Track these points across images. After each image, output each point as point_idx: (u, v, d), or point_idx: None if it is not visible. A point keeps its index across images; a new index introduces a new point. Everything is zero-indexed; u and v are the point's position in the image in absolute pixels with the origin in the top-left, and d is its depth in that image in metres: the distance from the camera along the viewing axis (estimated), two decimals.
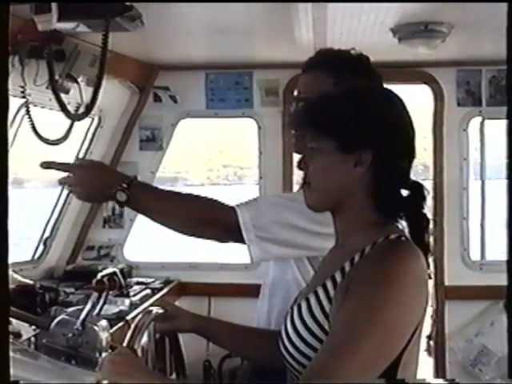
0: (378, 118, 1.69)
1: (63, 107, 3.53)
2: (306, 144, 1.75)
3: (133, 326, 1.89)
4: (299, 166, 1.79)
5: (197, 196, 2.40)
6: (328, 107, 1.72)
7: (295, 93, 2.49)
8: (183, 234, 2.36)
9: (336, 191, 1.71)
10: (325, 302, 1.62)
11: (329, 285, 1.63)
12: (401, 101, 1.75)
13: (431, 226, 1.71)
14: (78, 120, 3.78)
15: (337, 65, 2.28)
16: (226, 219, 2.25)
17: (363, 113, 1.68)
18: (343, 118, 1.68)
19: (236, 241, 2.28)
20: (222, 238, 2.38)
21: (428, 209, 1.73)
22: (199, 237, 2.40)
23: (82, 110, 3.91)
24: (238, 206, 2.27)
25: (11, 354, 1.81)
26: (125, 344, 1.80)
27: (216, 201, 2.34)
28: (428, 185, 5.03)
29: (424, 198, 1.72)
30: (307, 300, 1.67)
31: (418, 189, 1.72)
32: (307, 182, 1.75)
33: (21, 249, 4.79)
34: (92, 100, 3.25)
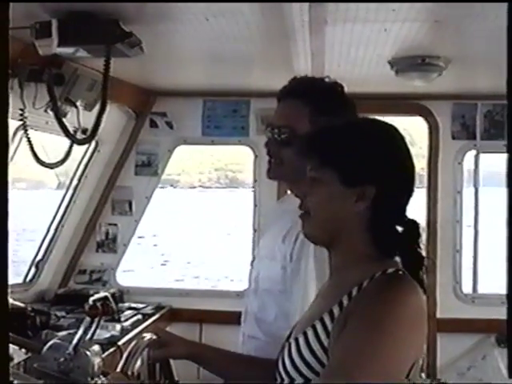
0: (384, 154, 1.69)
1: (66, 131, 3.55)
2: (308, 172, 1.74)
3: (126, 351, 1.88)
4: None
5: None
6: (335, 138, 1.72)
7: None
8: None
9: (335, 224, 1.70)
10: (323, 336, 1.60)
11: (326, 319, 1.62)
12: (402, 137, 1.75)
13: (425, 263, 1.71)
14: (82, 144, 3.81)
15: (311, 93, 2.30)
16: None
17: (370, 148, 1.68)
18: (350, 151, 1.67)
19: None
20: None
21: (422, 246, 1.71)
22: None
23: (79, 133, 3.92)
24: None
25: None
26: (118, 369, 1.80)
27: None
28: (421, 192, 4.95)
29: (419, 236, 1.71)
30: (305, 334, 1.65)
31: (413, 226, 1.70)
32: (306, 212, 1.74)
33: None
34: (95, 125, 3.29)
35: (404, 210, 1.72)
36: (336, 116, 2.20)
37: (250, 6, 2.80)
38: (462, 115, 4.90)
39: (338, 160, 1.67)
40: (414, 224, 1.70)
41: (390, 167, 1.69)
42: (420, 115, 4.95)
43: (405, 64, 3.67)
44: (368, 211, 1.67)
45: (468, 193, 5.03)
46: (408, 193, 1.73)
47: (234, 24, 3.03)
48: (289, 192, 2.59)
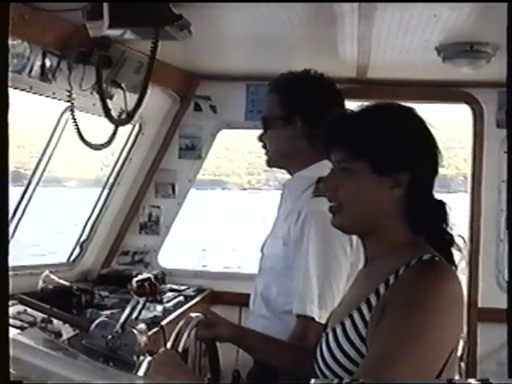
0: (413, 138, 1.71)
1: (107, 112, 3.58)
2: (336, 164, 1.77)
3: (176, 329, 1.92)
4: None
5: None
6: (361, 127, 1.73)
7: None
8: None
9: (371, 214, 1.72)
10: (360, 326, 1.62)
11: (364, 308, 1.63)
12: (422, 120, 1.76)
13: (460, 242, 1.72)
14: (121, 125, 3.83)
15: (281, 85, 2.79)
16: None
17: (399, 134, 1.70)
18: (379, 139, 1.68)
19: None
20: None
21: (451, 225, 1.73)
22: None
23: (124, 115, 3.96)
24: None
25: (53, 352, 1.85)
26: (168, 346, 1.84)
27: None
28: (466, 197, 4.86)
29: (446, 215, 1.73)
30: (342, 324, 1.67)
31: (440, 206, 1.73)
32: (337, 204, 1.74)
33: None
34: (135, 106, 3.29)
35: (432, 191, 1.75)
36: (314, 104, 2.60)
37: None
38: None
39: (368, 150, 1.68)
40: (440, 203, 1.73)
41: (421, 151, 1.71)
42: (466, 103, 4.88)
43: (452, 51, 3.62)
44: (403, 197, 1.68)
45: None
46: (435, 174, 1.76)
47: (283, 8, 3.02)
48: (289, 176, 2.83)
